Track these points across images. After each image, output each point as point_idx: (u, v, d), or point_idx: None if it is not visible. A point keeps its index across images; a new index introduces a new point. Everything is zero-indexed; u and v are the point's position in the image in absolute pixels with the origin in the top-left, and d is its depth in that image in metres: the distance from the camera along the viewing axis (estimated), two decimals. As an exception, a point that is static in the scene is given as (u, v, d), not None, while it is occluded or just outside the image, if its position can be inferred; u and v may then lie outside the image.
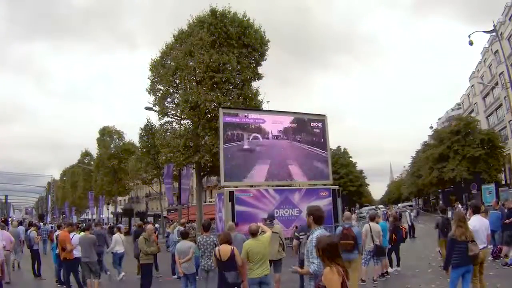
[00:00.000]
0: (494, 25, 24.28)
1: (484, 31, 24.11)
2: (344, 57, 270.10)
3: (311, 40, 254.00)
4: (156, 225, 32.96)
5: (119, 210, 57.51)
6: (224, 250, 7.07)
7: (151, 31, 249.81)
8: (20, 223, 23.54)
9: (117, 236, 14.07)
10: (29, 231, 16.66)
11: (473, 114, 55.68)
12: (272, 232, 9.28)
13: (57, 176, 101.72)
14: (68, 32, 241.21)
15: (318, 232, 4.92)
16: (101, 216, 62.76)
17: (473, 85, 58.38)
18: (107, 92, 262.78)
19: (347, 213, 10.31)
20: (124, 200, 74.61)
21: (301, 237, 7.91)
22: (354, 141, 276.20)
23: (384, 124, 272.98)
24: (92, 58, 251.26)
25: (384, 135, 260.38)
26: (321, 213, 5.24)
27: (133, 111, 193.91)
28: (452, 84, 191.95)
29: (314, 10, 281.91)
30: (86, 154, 67.68)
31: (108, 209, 63.55)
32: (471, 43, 23.10)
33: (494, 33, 26.15)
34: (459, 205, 32.40)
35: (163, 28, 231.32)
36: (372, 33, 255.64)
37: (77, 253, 10.71)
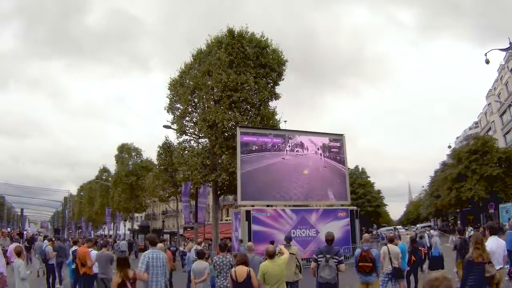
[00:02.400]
0: (510, 42, 23.98)
1: (500, 49, 23.74)
2: (353, 78, 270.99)
3: (319, 62, 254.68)
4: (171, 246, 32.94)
5: (136, 226, 57.74)
6: (241, 271, 7.04)
7: (163, 54, 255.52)
8: (46, 237, 24.49)
9: None
10: (44, 245, 16.93)
11: (490, 133, 55.08)
12: (289, 253, 9.25)
13: (73, 191, 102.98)
14: (83, 53, 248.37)
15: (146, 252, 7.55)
16: (117, 232, 63.12)
17: (490, 103, 57.69)
18: (122, 111, 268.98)
19: (366, 235, 10.21)
20: (141, 217, 74.90)
21: (319, 259, 7.82)
22: (368, 161, 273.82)
23: (399, 143, 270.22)
24: (106, 78, 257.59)
25: (400, 155, 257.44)
26: (154, 239, 8.11)
27: (148, 130, 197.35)
28: (465, 102, 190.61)
29: (321, 33, 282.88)
30: (104, 170, 68.36)
31: (125, 226, 63.86)
32: (487, 62, 22.70)
33: (510, 50, 25.78)
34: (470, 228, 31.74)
35: (175, 52, 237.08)
36: (380, 55, 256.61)
37: (94, 269, 10.85)
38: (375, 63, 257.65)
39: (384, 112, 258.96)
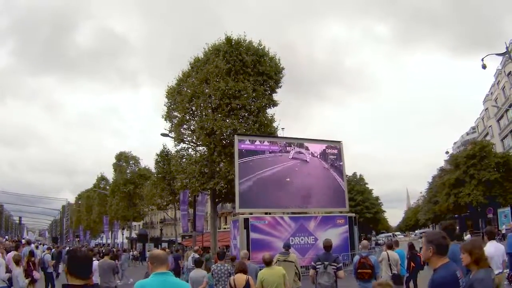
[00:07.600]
0: (506, 47, 24.03)
1: (497, 54, 23.77)
2: (336, 89, 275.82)
3: (298, 74, 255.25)
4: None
5: (134, 235, 57.55)
6: (239, 279, 7.03)
7: (151, 71, 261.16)
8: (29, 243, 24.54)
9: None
10: (43, 253, 16.93)
11: (488, 137, 55.21)
12: (288, 261, 9.24)
13: (71, 200, 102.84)
14: (75, 69, 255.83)
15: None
16: (115, 240, 62.84)
17: (487, 108, 57.92)
18: (117, 122, 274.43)
19: (364, 241, 10.20)
20: (139, 225, 74.67)
21: (317, 266, 7.82)
22: (364, 167, 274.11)
23: (394, 150, 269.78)
24: (99, 92, 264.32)
25: (397, 162, 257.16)
26: (28, 240, 9.92)
27: (143, 139, 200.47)
28: (459, 107, 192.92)
29: (298, 46, 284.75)
30: (102, 178, 68.21)
31: (123, 234, 63.65)
32: (484, 67, 22.78)
33: (507, 55, 25.80)
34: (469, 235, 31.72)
35: (161, 67, 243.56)
36: (360, 67, 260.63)
37: (94, 279, 10.76)
38: (356, 74, 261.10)
39: (372, 120, 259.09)
